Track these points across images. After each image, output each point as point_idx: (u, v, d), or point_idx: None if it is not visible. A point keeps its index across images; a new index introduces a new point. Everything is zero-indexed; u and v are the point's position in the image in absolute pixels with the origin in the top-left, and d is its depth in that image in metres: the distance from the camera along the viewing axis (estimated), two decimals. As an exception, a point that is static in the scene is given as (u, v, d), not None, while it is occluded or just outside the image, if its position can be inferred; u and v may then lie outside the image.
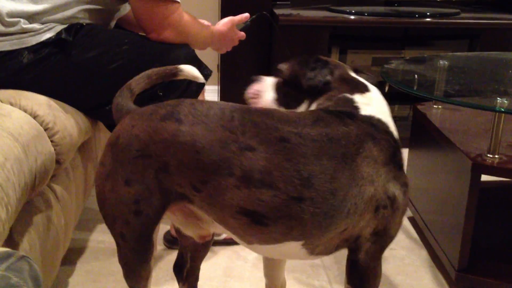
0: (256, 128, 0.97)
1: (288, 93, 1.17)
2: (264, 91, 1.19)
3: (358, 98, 1.08)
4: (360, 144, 1.00)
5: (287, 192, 0.95)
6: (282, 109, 1.13)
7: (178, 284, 1.32)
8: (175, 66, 1.16)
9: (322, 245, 1.02)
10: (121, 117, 1.07)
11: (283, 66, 1.18)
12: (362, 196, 0.98)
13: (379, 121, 1.05)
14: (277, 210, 0.96)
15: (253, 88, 1.20)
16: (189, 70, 1.17)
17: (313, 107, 1.11)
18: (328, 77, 1.11)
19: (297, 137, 0.97)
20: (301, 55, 1.19)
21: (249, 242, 1.04)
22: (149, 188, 1.00)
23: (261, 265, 1.34)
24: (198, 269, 1.31)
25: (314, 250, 1.03)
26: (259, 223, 0.97)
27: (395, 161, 1.03)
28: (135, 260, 1.09)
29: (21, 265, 0.85)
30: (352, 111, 1.05)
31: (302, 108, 1.14)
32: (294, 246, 1.02)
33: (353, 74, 1.16)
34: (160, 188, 1.01)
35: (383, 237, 1.04)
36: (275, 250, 1.04)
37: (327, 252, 1.05)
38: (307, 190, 0.95)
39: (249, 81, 1.23)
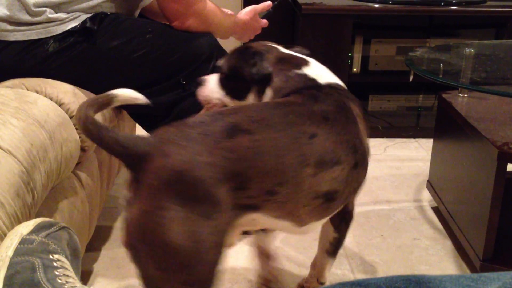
0: (303, 116, 1.01)
1: (234, 86, 1.19)
2: (211, 92, 1.21)
3: (308, 71, 1.14)
4: (349, 107, 1.10)
5: (348, 162, 1.04)
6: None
7: None
8: (107, 93, 0.93)
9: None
10: (144, 151, 0.85)
11: (222, 63, 1.21)
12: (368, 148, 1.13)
13: (337, 84, 1.15)
14: (345, 181, 1.04)
15: (201, 95, 1.23)
16: (125, 94, 0.96)
17: (268, 93, 1.14)
18: (270, 69, 1.14)
19: (326, 114, 1.04)
20: (236, 48, 1.21)
21: (303, 224, 1.06)
22: (226, 213, 0.89)
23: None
24: None
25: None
26: (330, 200, 1.03)
27: (364, 114, 1.15)
28: None
29: (61, 234, 0.88)
30: (314, 84, 1.12)
31: (251, 97, 1.17)
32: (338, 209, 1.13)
33: (288, 51, 1.20)
34: (232, 208, 0.90)
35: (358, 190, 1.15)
36: (323, 221, 1.14)
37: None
38: (356, 155, 1.06)
39: (195, 84, 1.24)
